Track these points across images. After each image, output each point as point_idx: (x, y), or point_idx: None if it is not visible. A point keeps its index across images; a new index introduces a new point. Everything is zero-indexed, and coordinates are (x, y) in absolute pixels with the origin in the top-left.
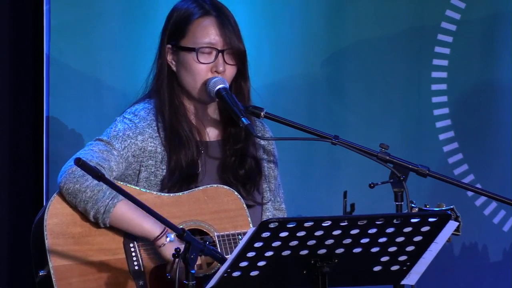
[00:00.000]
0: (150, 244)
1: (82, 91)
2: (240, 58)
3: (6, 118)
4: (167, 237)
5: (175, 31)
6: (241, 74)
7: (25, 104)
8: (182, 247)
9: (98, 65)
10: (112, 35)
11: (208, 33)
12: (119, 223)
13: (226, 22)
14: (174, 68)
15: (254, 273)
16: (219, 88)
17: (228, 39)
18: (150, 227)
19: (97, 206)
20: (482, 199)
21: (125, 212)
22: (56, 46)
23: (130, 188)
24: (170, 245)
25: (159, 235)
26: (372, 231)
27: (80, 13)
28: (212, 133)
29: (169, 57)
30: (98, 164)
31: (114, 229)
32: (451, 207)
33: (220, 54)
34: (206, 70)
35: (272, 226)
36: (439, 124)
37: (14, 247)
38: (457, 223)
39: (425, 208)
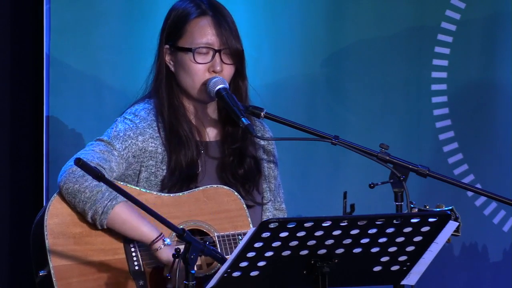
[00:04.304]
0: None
1: (82, 91)
2: (237, 57)
3: (7, 117)
4: (164, 240)
5: (173, 32)
6: (239, 74)
7: (25, 103)
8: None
9: (98, 65)
10: (112, 35)
11: (204, 33)
12: (116, 225)
13: (223, 22)
14: (173, 69)
15: (254, 273)
16: (219, 88)
17: (225, 38)
18: (147, 230)
19: (95, 207)
20: (482, 199)
21: (122, 215)
22: (56, 45)
23: (130, 188)
24: (166, 249)
25: (155, 239)
26: (372, 231)
27: (80, 13)
28: (211, 133)
29: (167, 58)
30: (99, 164)
31: None
32: (451, 207)
33: (217, 54)
34: (204, 70)
35: (272, 226)
36: (439, 124)
37: (14, 247)
38: (457, 223)
39: (424, 209)
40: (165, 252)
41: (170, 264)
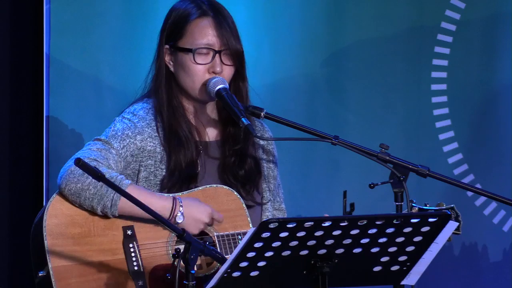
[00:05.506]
0: (150, 244)
1: (82, 91)
2: (237, 58)
3: (6, 117)
4: (180, 205)
5: (173, 32)
6: (239, 75)
7: (25, 103)
8: (196, 210)
9: (98, 65)
10: (112, 35)
11: (205, 33)
12: (128, 212)
13: (223, 23)
14: (172, 69)
15: (254, 273)
16: (219, 88)
17: (226, 39)
18: (160, 205)
19: (103, 202)
20: (482, 199)
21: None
22: (56, 45)
23: None
24: (183, 220)
25: (172, 210)
26: (372, 231)
27: (80, 12)
28: (211, 133)
29: (167, 58)
30: (96, 160)
31: (113, 229)
32: (451, 206)
33: (217, 55)
34: (204, 70)
35: (272, 227)
36: (439, 124)
37: (14, 247)
38: (457, 223)
39: (425, 207)
40: (184, 226)
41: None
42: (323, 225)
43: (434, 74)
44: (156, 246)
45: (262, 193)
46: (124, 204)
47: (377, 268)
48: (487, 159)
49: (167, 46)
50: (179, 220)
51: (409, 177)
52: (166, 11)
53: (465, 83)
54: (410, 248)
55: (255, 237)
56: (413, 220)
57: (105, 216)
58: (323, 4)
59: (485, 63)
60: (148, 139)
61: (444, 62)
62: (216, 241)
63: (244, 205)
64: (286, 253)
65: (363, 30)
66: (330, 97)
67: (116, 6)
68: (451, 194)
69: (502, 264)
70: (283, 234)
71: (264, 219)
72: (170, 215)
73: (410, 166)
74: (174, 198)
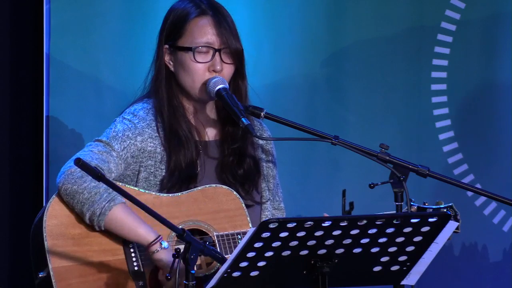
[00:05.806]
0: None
1: (82, 91)
2: (237, 57)
3: (6, 117)
4: (161, 243)
5: (172, 31)
6: (239, 73)
7: (25, 103)
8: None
9: (98, 65)
10: (112, 35)
11: (205, 32)
12: (114, 227)
13: (223, 22)
14: (172, 68)
15: (254, 273)
16: (219, 88)
17: (225, 38)
18: (144, 232)
19: (93, 209)
20: (482, 199)
21: (120, 216)
22: (56, 45)
23: (128, 188)
24: (163, 252)
25: (153, 241)
26: (372, 231)
27: (80, 12)
28: (210, 133)
29: (167, 57)
30: (98, 166)
31: None
32: (450, 204)
33: (217, 53)
34: (204, 69)
35: (272, 226)
36: (439, 124)
37: (14, 247)
38: (456, 223)
39: (424, 206)
40: (161, 255)
41: (165, 268)
42: (323, 225)
43: (434, 74)
44: None
45: (262, 192)
46: (113, 218)
47: (377, 268)
48: (487, 159)
49: (166, 46)
50: (164, 244)
51: (409, 177)
52: (166, 11)
53: (465, 83)
54: (410, 248)
55: (255, 237)
56: (413, 220)
57: (92, 224)
58: (323, 4)
59: (485, 63)
60: (148, 140)
61: (444, 62)
62: (216, 241)
63: (243, 205)
64: (286, 253)
65: (363, 30)
66: (330, 97)
67: (116, 6)
68: (450, 194)
69: (502, 264)
70: (283, 234)
71: (264, 219)
72: (152, 242)
73: (410, 166)
74: (160, 236)
